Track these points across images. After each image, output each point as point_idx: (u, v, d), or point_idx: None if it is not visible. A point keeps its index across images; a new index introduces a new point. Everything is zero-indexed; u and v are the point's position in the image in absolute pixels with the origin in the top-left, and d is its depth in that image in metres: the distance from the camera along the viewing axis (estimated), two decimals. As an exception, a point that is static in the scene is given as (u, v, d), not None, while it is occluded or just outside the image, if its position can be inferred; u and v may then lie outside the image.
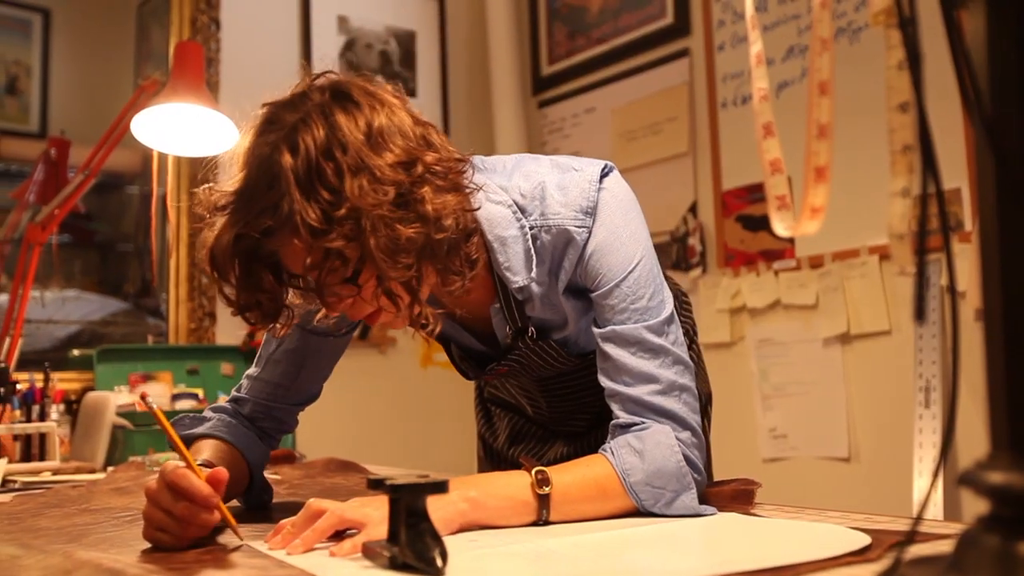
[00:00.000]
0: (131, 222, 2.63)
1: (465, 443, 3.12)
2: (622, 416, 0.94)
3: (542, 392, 1.17)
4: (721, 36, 2.58)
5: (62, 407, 2.03)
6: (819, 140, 0.53)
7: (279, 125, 0.88)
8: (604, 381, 0.97)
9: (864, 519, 0.86)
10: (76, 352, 2.36)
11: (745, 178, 2.50)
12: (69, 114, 2.47)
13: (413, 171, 0.86)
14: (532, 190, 0.98)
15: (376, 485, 0.72)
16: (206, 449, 1.02)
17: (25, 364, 1.93)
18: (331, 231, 0.82)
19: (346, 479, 1.41)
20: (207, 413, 1.11)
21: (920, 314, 0.41)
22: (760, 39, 0.61)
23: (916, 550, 0.49)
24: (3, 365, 1.81)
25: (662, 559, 0.71)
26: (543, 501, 0.86)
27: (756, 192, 2.47)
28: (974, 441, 1.88)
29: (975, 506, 0.43)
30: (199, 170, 2.68)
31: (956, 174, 1.99)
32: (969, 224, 1.99)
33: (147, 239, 2.57)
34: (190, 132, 1.85)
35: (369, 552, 0.72)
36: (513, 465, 1.23)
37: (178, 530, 0.80)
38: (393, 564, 0.68)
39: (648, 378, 0.94)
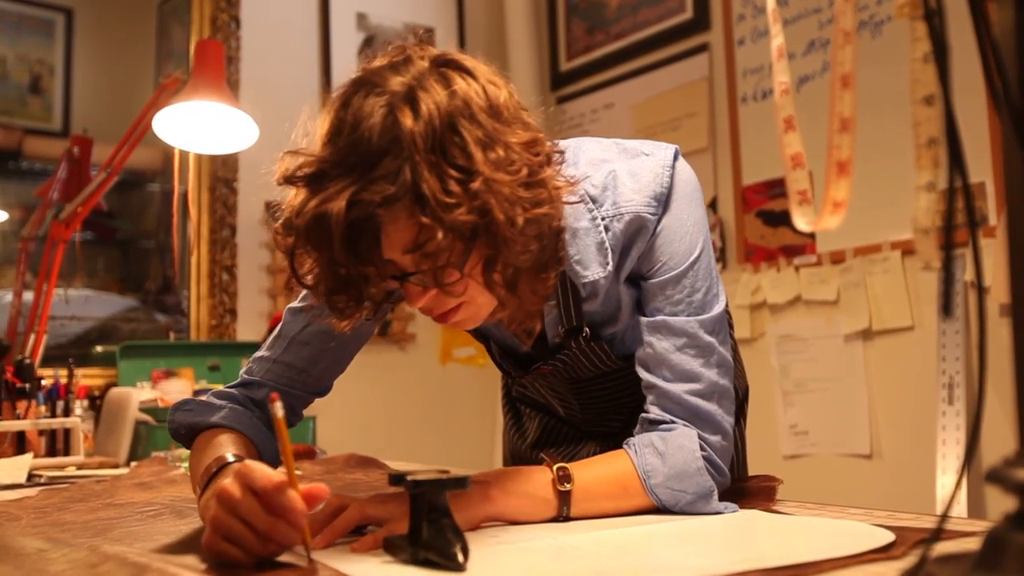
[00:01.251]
0: (153, 219, 2.66)
1: (485, 439, 3.14)
2: (653, 411, 0.92)
3: (575, 394, 1.13)
4: (741, 31, 2.56)
5: (86, 403, 2.05)
6: (841, 134, 0.53)
7: (386, 88, 0.77)
8: (642, 371, 0.95)
9: (887, 516, 0.86)
10: (99, 349, 2.38)
11: (765, 173, 2.48)
12: (91, 113, 2.49)
13: (538, 151, 0.82)
14: (604, 180, 0.94)
15: (397, 481, 0.72)
16: (229, 443, 0.93)
17: (46, 360, 1.95)
18: (459, 205, 0.74)
19: (366, 475, 1.41)
20: (211, 399, 1.01)
21: (947, 309, 0.41)
22: (781, 33, 0.61)
23: (942, 548, 0.49)
24: (28, 361, 1.83)
25: (683, 555, 0.71)
26: (564, 498, 0.85)
27: (776, 187, 2.45)
28: (997, 438, 1.87)
29: (1000, 504, 0.43)
30: (219, 168, 2.70)
31: (981, 168, 1.97)
32: (994, 219, 1.97)
33: (169, 236, 2.59)
34: (211, 130, 1.87)
35: (390, 547, 0.72)
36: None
37: (255, 546, 0.69)
38: (414, 559, 0.68)
39: (690, 376, 0.92)
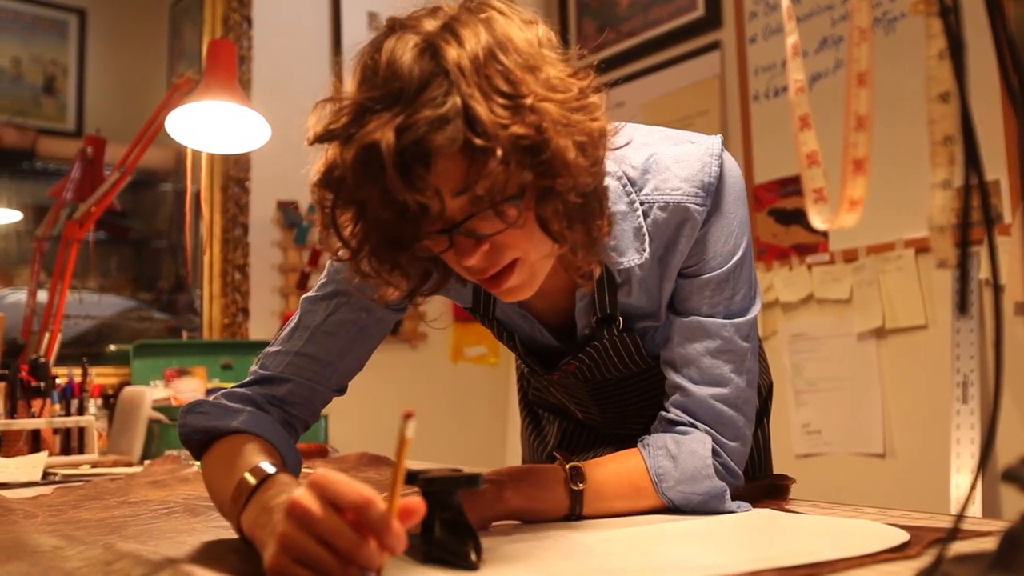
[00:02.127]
0: (165, 219, 2.67)
1: (496, 437, 3.14)
2: (673, 412, 0.91)
3: (594, 398, 1.11)
4: (753, 28, 2.56)
5: (100, 401, 2.06)
6: (857, 132, 0.52)
7: (420, 28, 0.73)
8: (668, 369, 0.93)
9: (901, 516, 0.85)
10: (113, 347, 2.40)
11: (777, 172, 2.48)
12: (105, 113, 2.50)
13: (583, 78, 0.77)
14: (644, 162, 0.89)
15: (410, 479, 0.72)
16: (257, 452, 0.82)
17: (58, 359, 1.96)
18: (512, 124, 0.69)
19: (378, 473, 1.42)
20: (226, 401, 0.92)
21: (963, 307, 0.41)
22: (796, 30, 0.61)
23: (957, 547, 0.49)
24: (43, 360, 1.84)
25: (695, 555, 0.71)
26: (576, 497, 0.85)
27: (788, 186, 2.44)
28: (1012, 437, 1.86)
29: (1016, 503, 0.42)
30: (232, 167, 2.72)
31: (996, 166, 1.96)
32: (1009, 216, 1.96)
33: (181, 236, 2.60)
34: (223, 129, 1.87)
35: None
36: None
37: (335, 569, 0.58)
38: (427, 557, 0.68)
39: (719, 380, 0.90)
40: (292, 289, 2.69)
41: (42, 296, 2.00)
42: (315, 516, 0.58)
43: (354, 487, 0.58)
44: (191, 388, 2.20)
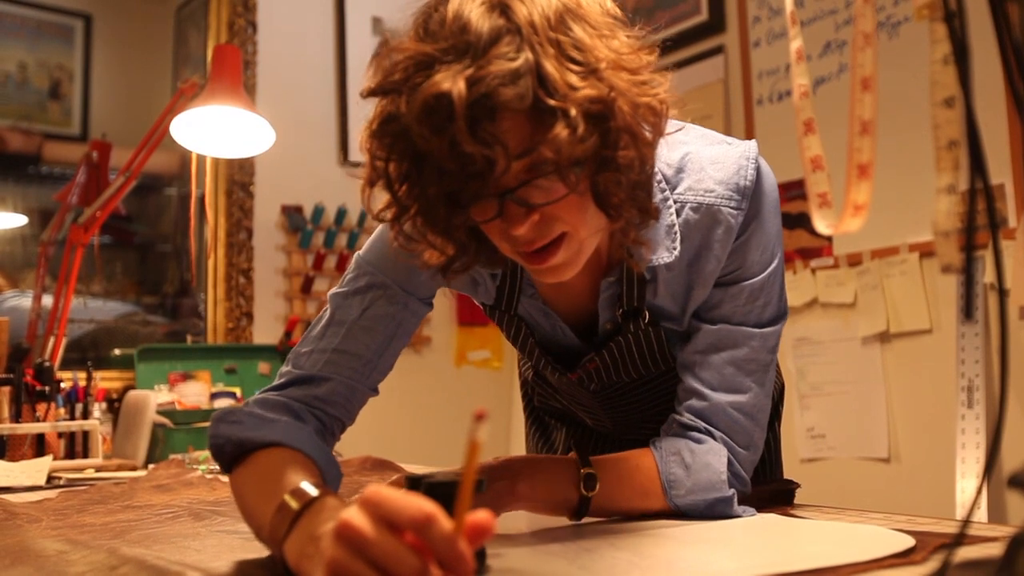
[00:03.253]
0: (170, 223, 2.68)
1: (498, 440, 3.14)
2: (687, 416, 0.90)
3: (605, 406, 1.09)
4: (757, 33, 2.56)
5: (104, 405, 2.07)
6: (862, 136, 0.52)
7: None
8: (684, 371, 0.91)
9: (906, 521, 0.85)
10: (117, 352, 2.40)
11: (780, 175, 2.46)
12: (110, 117, 2.51)
13: (649, 54, 0.76)
14: (679, 160, 0.88)
15: (414, 483, 0.72)
16: (298, 469, 0.75)
17: (63, 363, 1.97)
18: (583, 87, 0.68)
19: (382, 478, 1.41)
20: (258, 409, 0.87)
21: (968, 312, 0.41)
22: (800, 35, 0.61)
23: (963, 553, 0.49)
24: (48, 364, 1.85)
25: (701, 560, 0.71)
26: (585, 502, 0.84)
27: (791, 190, 2.44)
28: (1018, 442, 1.85)
29: (1022, 508, 0.42)
30: (236, 172, 2.72)
31: (1001, 170, 1.96)
32: (1013, 221, 1.96)
33: (186, 240, 2.60)
34: (228, 134, 1.88)
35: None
36: None
37: None
38: (432, 562, 0.68)
39: (738, 388, 0.89)
40: (296, 293, 2.69)
41: (47, 300, 2.00)
42: (369, 538, 0.50)
43: (413, 502, 0.50)
44: (195, 392, 2.20)
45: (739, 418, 0.89)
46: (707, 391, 0.89)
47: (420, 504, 0.50)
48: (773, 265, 0.89)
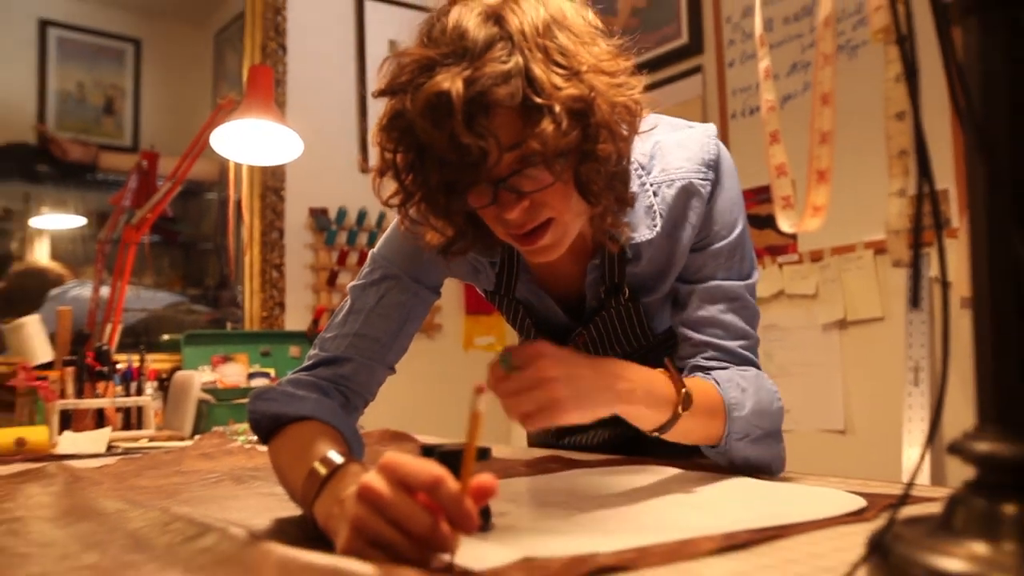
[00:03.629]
0: (211, 224, 2.68)
1: (499, 414, 3.13)
2: (707, 363, 0.89)
3: None
4: (731, 54, 2.55)
5: (155, 384, 2.07)
6: (821, 146, 0.53)
7: (479, 2, 0.73)
8: (691, 332, 0.90)
9: (860, 484, 0.86)
10: (166, 337, 2.41)
11: (752, 182, 2.47)
12: (157, 130, 2.51)
13: (624, 60, 0.77)
14: (651, 149, 0.89)
15: (428, 452, 0.72)
16: (327, 440, 0.75)
17: (119, 347, 1.97)
18: (567, 87, 0.68)
19: (399, 448, 1.42)
20: (290, 388, 0.87)
21: (915, 302, 0.41)
22: (768, 56, 0.61)
23: (908, 511, 0.49)
24: (106, 348, 1.85)
25: (681, 517, 0.71)
26: (674, 420, 0.78)
27: (761, 194, 2.44)
28: (957, 415, 1.85)
29: (960, 473, 0.43)
30: (269, 178, 2.71)
31: (946, 176, 1.96)
32: (956, 221, 1.96)
33: (225, 238, 2.61)
34: (262, 144, 1.88)
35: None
36: (582, 447, 1.15)
37: (408, 551, 0.51)
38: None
39: (742, 334, 0.90)
40: (323, 286, 2.69)
41: (104, 292, 2.01)
42: (386, 499, 0.52)
43: (424, 467, 0.52)
44: (234, 372, 2.20)
45: (750, 356, 0.90)
46: (719, 341, 0.89)
47: (430, 468, 0.51)
48: (741, 224, 0.91)
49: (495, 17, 0.71)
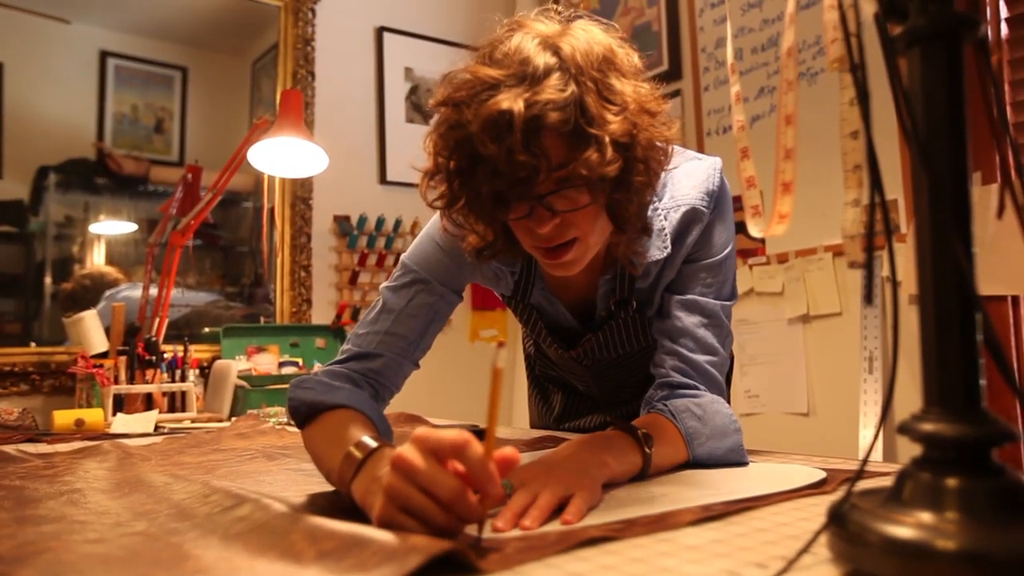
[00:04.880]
0: (247, 229, 2.67)
1: (504, 402, 3.14)
2: (675, 376, 0.86)
3: (594, 375, 1.08)
4: (706, 80, 2.55)
5: (197, 371, 2.07)
6: (785, 161, 0.53)
7: (538, 32, 0.72)
8: (664, 339, 0.88)
9: (821, 461, 0.86)
10: (207, 330, 2.41)
11: (725, 192, 2.47)
12: (201, 147, 2.51)
13: (663, 100, 0.77)
14: (664, 178, 0.87)
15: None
16: (361, 426, 0.74)
17: (166, 339, 1.97)
18: (611, 121, 0.67)
19: (412, 428, 1.42)
20: (326, 378, 0.84)
21: (868, 298, 0.41)
22: (738, 82, 0.61)
23: (863, 484, 0.49)
24: (154, 339, 1.85)
25: (664, 492, 0.71)
26: (647, 460, 0.75)
27: (734, 203, 2.43)
28: (906, 400, 1.85)
29: (908, 450, 0.43)
30: (299, 189, 2.71)
31: (894, 188, 1.95)
32: (904, 227, 1.95)
33: (259, 242, 2.61)
34: (292, 159, 1.88)
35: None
36: (580, 430, 1.14)
37: (437, 516, 0.50)
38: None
39: (710, 349, 0.87)
40: (345, 284, 2.69)
41: (153, 290, 2.01)
42: (417, 467, 0.50)
43: (452, 434, 0.50)
44: (267, 361, 2.20)
45: (714, 373, 0.88)
46: (686, 352, 0.87)
47: (457, 434, 0.50)
48: (729, 247, 0.90)
49: (553, 48, 0.70)
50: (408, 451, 0.51)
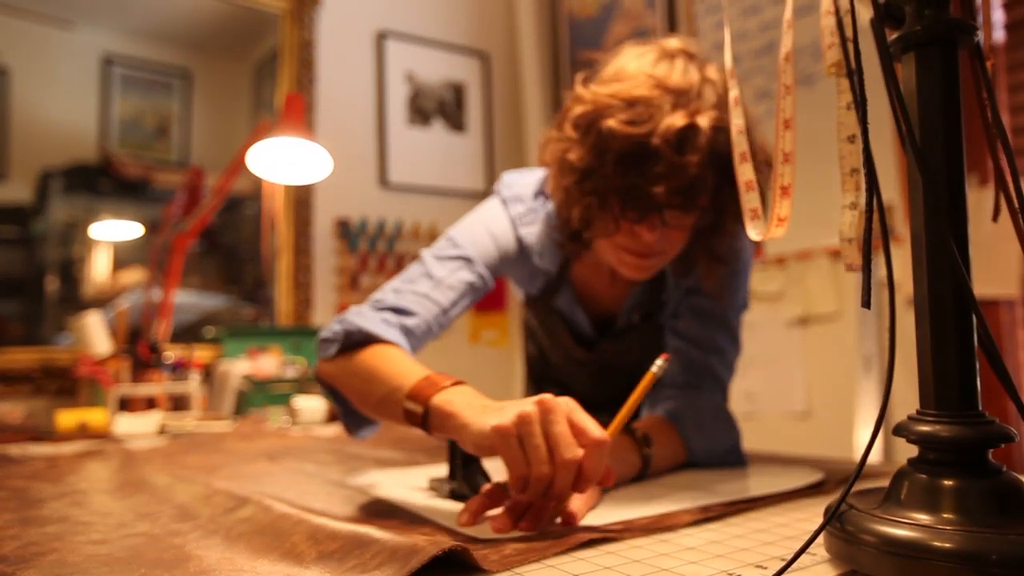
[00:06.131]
0: (249, 232, 2.68)
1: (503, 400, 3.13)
2: (677, 375, 0.88)
3: (592, 380, 1.09)
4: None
5: (200, 373, 2.07)
6: (784, 164, 0.53)
7: (686, 58, 0.79)
8: (672, 338, 0.91)
9: (819, 461, 0.86)
10: (209, 330, 2.41)
11: (723, 195, 2.47)
12: (204, 150, 2.51)
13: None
14: None
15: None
16: (418, 364, 0.73)
17: (169, 340, 1.97)
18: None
19: (413, 430, 1.42)
20: (375, 315, 0.82)
21: (866, 301, 0.41)
22: (737, 86, 0.61)
23: (860, 484, 0.49)
24: (157, 341, 1.85)
25: (664, 492, 0.71)
26: (647, 461, 0.75)
27: (732, 206, 2.44)
28: (902, 401, 1.85)
29: (905, 451, 0.43)
30: (300, 192, 2.71)
31: (890, 192, 1.95)
32: (901, 230, 1.96)
33: (261, 245, 2.61)
34: (295, 163, 1.88)
35: (433, 486, 0.72)
36: None
37: (541, 460, 0.51)
38: (452, 495, 0.68)
39: (716, 350, 0.90)
40: (346, 286, 2.70)
41: (156, 292, 2.01)
42: (556, 413, 0.52)
43: (594, 421, 0.53)
44: (269, 363, 2.20)
45: (719, 375, 0.89)
46: (693, 352, 0.89)
47: (596, 424, 0.53)
48: (746, 259, 0.93)
49: (707, 71, 0.77)
50: (555, 400, 0.53)
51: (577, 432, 0.52)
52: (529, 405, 0.53)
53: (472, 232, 0.93)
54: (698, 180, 0.74)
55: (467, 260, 0.90)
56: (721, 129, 0.73)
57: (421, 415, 0.64)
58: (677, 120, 0.72)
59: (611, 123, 0.76)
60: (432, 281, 0.88)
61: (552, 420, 0.52)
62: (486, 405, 0.59)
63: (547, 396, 0.53)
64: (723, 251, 0.85)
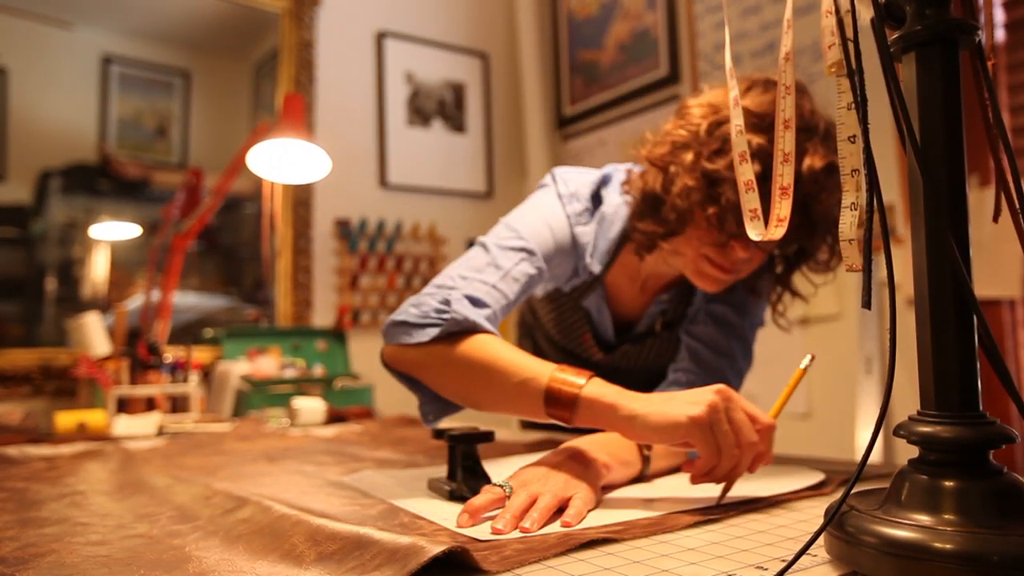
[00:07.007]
0: (249, 233, 2.68)
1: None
2: (685, 375, 0.91)
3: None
4: (705, 85, 2.55)
5: (199, 374, 2.07)
6: (783, 165, 0.53)
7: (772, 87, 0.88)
8: (687, 339, 0.94)
9: (820, 462, 0.86)
10: (208, 331, 2.41)
11: (723, 195, 2.47)
12: (203, 151, 2.51)
13: None
14: None
15: (439, 435, 0.72)
16: (522, 353, 0.74)
17: (168, 341, 1.97)
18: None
19: (413, 431, 1.42)
20: (472, 315, 0.77)
21: (867, 302, 0.41)
22: (736, 86, 0.61)
23: (860, 485, 0.49)
24: (156, 342, 1.85)
25: (664, 493, 0.71)
26: (647, 461, 0.76)
27: (732, 206, 2.43)
28: (903, 402, 1.85)
29: (906, 452, 0.43)
30: (299, 192, 2.71)
31: (891, 191, 1.95)
32: (901, 230, 1.96)
33: (261, 245, 2.61)
34: (294, 163, 1.88)
35: (433, 487, 0.72)
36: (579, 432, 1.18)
37: (732, 448, 0.61)
38: (452, 496, 0.68)
39: (727, 353, 0.94)
40: (346, 287, 2.70)
41: (155, 293, 2.01)
42: (735, 403, 0.62)
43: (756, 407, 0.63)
44: (268, 364, 2.20)
45: (726, 376, 0.92)
46: (704, 353, 0.92)
47: (761, 410, 0.64)
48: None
49: (804, 103, 0.87)
50: (727, 389, 0.62)
51: (751, 418, 0.61)
52: (711, 395, 0.61)
53: (532, 223, 0.90)
54: (823, 211, 0.81)
55: (530, 252, 0.87)
56: (834, 170, 0.80)
57: (571, 405, 0.67)
58: (817, 161, 0.79)
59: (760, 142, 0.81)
60: (500, 272, 0.84)
61: (733, 407, 0.61)
62: (649, 397, 0.64)
63: (722, 386, 0.62)
64: (789, 279, 0.92)
